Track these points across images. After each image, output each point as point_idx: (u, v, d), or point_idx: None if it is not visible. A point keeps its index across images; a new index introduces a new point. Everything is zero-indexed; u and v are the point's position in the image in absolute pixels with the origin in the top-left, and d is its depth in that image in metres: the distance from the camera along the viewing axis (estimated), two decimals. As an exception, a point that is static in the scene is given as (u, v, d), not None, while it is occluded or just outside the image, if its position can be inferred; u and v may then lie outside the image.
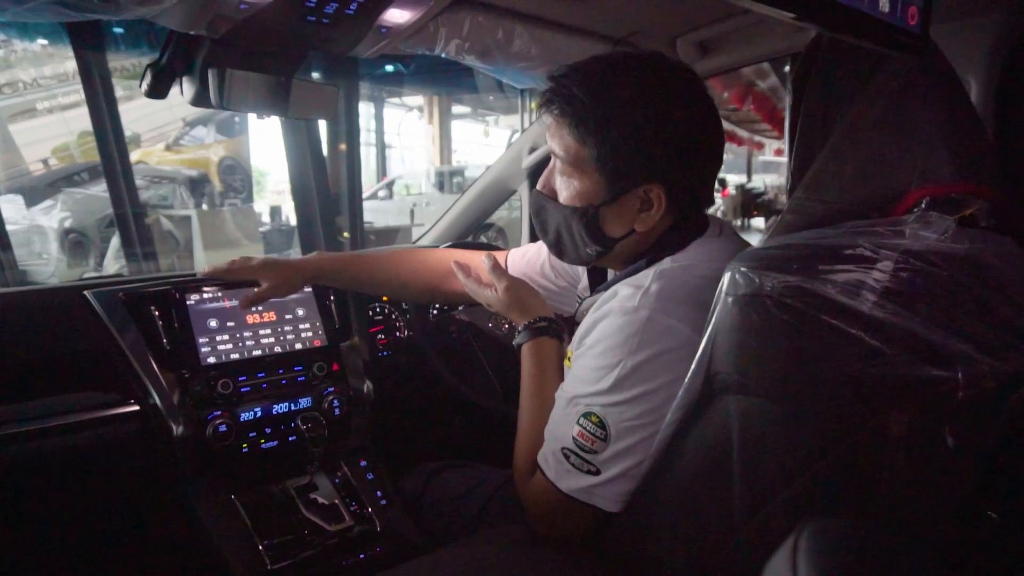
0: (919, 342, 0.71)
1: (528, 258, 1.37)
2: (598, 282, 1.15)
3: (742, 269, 0.78)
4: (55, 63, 7.83)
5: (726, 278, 0.80)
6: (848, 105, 0.83)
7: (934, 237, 0.73)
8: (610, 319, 0.94)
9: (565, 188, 1.01)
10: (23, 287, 1.54)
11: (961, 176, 0.79)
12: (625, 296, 0.94)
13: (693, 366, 0.84)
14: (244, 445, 1.34)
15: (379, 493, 1.43)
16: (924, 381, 0.71)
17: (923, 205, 0.77)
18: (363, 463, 1.48)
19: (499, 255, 1.34)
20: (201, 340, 1.35)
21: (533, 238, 2.04)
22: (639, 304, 0.91)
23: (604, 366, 0.92)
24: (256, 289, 1.35)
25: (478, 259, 1.33)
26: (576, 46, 1.43)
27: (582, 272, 1.25)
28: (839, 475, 0.76)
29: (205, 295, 1.39)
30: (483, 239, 3.84)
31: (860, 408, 0.74)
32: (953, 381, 0.71)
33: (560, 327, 1.16)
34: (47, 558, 1.36)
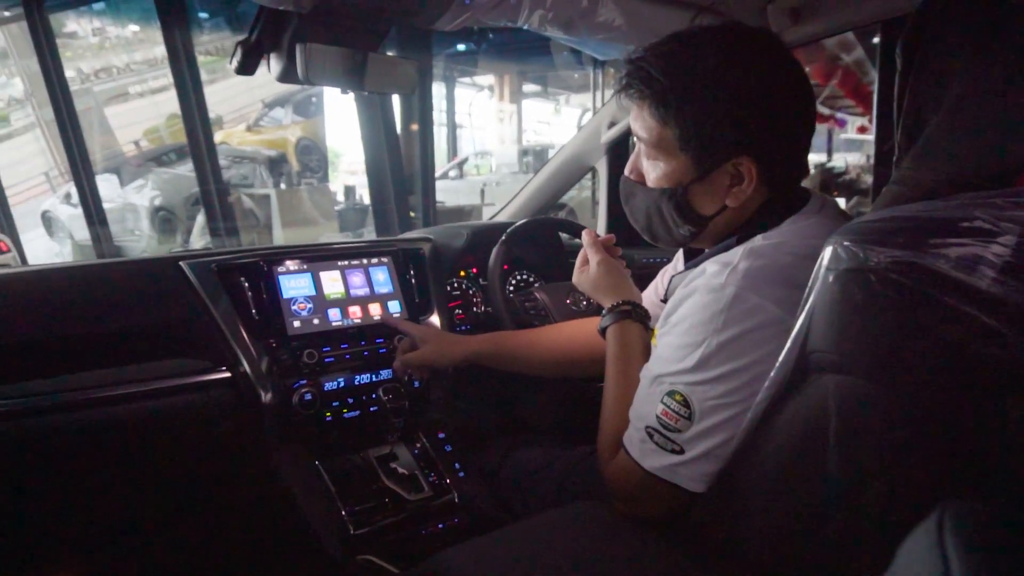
0: (1043, 323, 0.66)
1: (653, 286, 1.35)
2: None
3: (845, 243, 0.74)
4: (145, 48, 8.21)
5: (827, 252, 0.76)
6: (966, 68, 0.77)
7: (1064, 209, 0.68)
8: (696, 296, 0.92)
9: (652, 171, 1.00)
10: (122, 259, 1.62)
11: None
12: (712, 273, 0.92)
13: (788, 344, 0.81)
14: (328, 414, 1.38)
15: (457, 465, 1.45)
16: (1048, 365, 0.66)
17: (1052, 175, 0.71)
18: (441, 435, 1.50)
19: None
20: (287, 310, 1.39)
21: (610, 216, 2.02)
22: (726, 281, 0.89)
23: (689, 344, 0.90)
24: (415, 353, 1.37)
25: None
26: (662, 15, 1.39)
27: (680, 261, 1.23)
28: (946, 463, 0.72)
29: (291, 267, 1.43)
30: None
31: (973, 392, 0.69)
32: (1081, 366, 0.65)
33: (644, 312, 1.14)
34: (140, 513, 1.44)
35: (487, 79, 12.26)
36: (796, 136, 0.97)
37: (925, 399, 0.72)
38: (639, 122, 0.98)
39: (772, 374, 0.83)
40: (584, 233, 1.22)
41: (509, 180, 9.75)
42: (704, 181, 0.96)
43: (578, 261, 1.24)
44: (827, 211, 1.00)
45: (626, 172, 1.06)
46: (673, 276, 1.07)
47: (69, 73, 5.01)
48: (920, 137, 0.80)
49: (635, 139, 1.02)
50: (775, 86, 0.93)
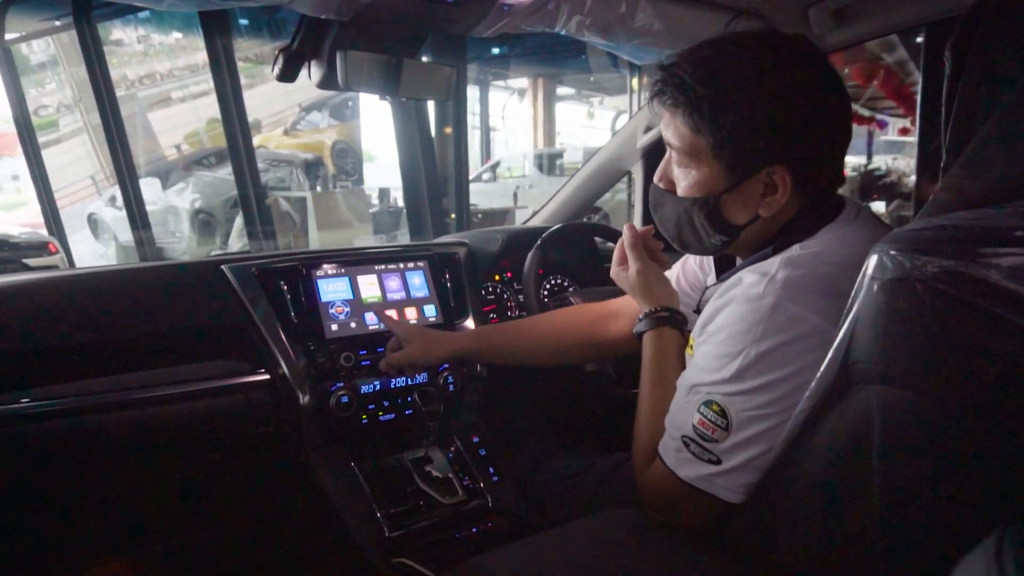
0: (1101, 336, 0.63)
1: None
2: (725, 270, 1.11)
3: (891, 252, 0.72)
4: (187, 55, 8.41)
5: (872, 261, 0.75)
6: (1020, 72, 0.75)
7: (1124, 218, 0.65)
8: (733, 306, 0.91)
9: (683, 179, 0.98)
10: (165, 262, 1.66)
11: None
12: (750, 283, 0.90)
13: (829, 355, 0.79)
14: (364, 416, 1.39)
15: (491, 469, 1.45)
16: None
17: (1110, 183, 0.69)
18: (475, 439, 1.50)
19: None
20: (325, 314, 1.41)
21: (645, 220, 2.00)
22: (764, 291, 0.88)
23: (727, 354, 0.89)
24: (399, 353, 1.36)
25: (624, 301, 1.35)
26: (700, 19, 1.38)
27: (709, 268, 1.21)
28: (999, 482, 0.70)
29: (329, 271, 1.45)
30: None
31: (1026, 406, 0.67)
32: None
33: (682, 318, 1.13)
34: (178, 513, 1.47)
35: (521, 82, 12.29)
36: (832, 146, 0.95)
37: (974, 413, 0.70)
38: (671, 129, 0.97)
39: (813, 384, 0.82)
40: (625, 228, 1.19)
41: (543, 182, 9.75)
42: (737, 190, 0.94)
43: (616, 257, 1.20)
44: (863, 218, 0.98)
45: (655, 180, 1.04)
46: (707, 287, 1.06)
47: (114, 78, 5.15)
48: (970, 143, 0.78)
49: (667, 146, 1.00)
50: (811, 96, 0.91)
